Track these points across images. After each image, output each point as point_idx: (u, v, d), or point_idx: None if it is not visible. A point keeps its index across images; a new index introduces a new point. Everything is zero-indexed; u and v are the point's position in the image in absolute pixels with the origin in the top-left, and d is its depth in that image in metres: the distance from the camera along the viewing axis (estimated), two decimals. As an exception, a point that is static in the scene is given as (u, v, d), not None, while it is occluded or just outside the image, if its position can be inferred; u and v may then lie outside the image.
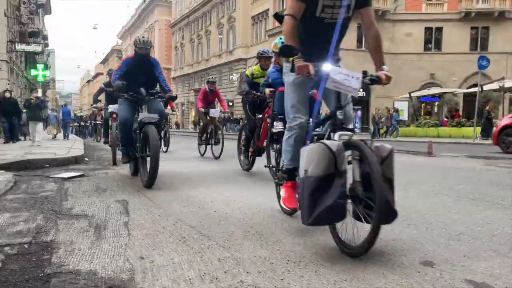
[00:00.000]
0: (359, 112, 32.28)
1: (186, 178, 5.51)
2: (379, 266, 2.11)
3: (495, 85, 22.16)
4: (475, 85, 22.13)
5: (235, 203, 3.77)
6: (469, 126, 20.56)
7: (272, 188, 4.71)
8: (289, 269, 2.07)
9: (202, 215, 3.26)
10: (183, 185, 4.84)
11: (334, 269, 2.07)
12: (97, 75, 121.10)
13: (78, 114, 36.47)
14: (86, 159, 8.25)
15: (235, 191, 4.44)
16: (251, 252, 2.34)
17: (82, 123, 26.70)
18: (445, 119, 25.44)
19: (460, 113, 25.32)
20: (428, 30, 31.38)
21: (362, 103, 31.49)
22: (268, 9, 38.83)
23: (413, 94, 27.02)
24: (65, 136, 18.50)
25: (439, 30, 31.21)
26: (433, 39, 31.54)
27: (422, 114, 29.24)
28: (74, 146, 11.21)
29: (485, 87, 21.29)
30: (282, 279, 1.94)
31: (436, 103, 29.28)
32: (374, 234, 2.10)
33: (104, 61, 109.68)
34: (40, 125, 12.84)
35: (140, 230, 2.83)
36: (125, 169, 6.65)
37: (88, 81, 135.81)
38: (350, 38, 28.63)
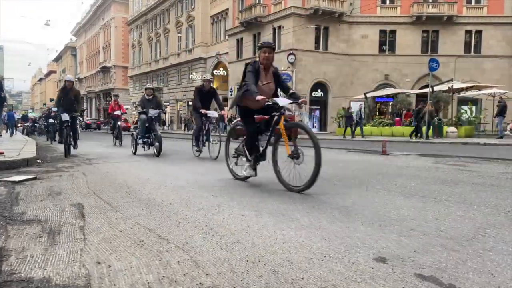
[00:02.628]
0: (317, 112, 32.91)
1: (144, 180, 5.42)
2: (335, 263, 2.18)
3: (444, 86, 23.34)
4: (426, 86, 23.15)
5: (195, 204, 3.75)
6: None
7: (233, 189, 4.74)
8: (248, 269, 2.10)
9: (161, 218, 3.23)
10: (141, 188, 4.77)
11: (292, 267, 2.12)
12: (50, 73, 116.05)
13: (31, 114, 35.06)
14: (38, 161, 7.92)
15: (194, 193, 4.43)
16: (211, 254, 2.35)
17: (36, 124, 28.23)
18: (397, 118, 26.46)
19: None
20: (382, 32, 32.49)
21: (320, 103, 32.11)
22: (227, 9, 38.79)
23: (368, 95, 27.91)
24: (11, 134, 22.75)
25: (393, 32, 32.39)
26: (387, 41, 32.68)
27: (377, 114, 30.25)
28: (25, 147, 10.71)
29: (436, 88, 22.36)
30: (241, 280, 1.97)
31: (390, 103, 30.39)
32: None
33: (57, 59, 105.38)
34: None
35: (96, 234, 2.77)
36: (80, 171, 6.46)
37: (40, 79, 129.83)
38: (308, 40, 29.18)
